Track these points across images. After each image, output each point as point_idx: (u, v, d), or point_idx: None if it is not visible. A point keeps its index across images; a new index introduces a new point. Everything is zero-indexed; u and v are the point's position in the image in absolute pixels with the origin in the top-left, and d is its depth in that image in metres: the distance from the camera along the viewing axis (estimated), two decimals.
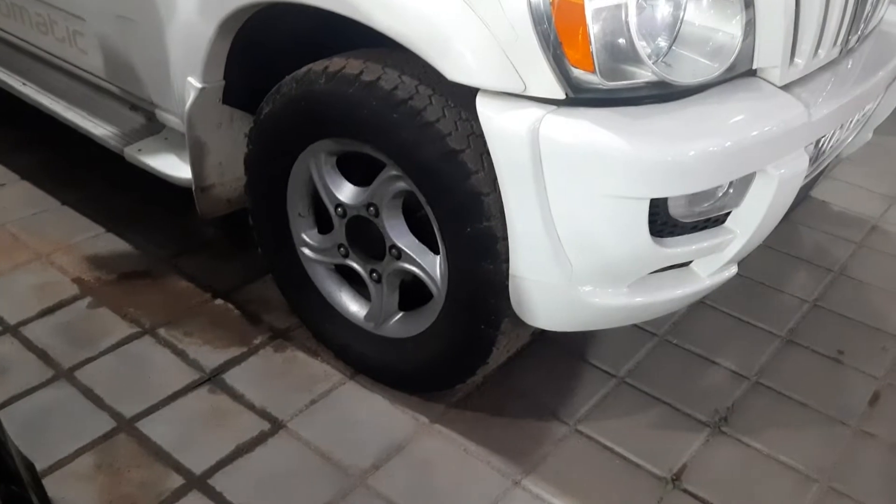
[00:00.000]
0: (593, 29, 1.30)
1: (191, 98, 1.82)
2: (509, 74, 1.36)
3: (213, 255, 2.28)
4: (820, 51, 1.62)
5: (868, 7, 1.75)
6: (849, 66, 1.76)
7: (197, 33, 1.75)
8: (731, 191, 1.50)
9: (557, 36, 1.32)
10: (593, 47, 1.31)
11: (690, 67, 1.41)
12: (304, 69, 1.65)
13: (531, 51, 1.33)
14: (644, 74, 1.36)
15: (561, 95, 1.36)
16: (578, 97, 1.36)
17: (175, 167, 2.04)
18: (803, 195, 2.66)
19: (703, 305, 2.15)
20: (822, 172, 2.18)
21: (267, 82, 1.74)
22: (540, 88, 1.36)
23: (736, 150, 1.41)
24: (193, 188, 1.97)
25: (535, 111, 1.36)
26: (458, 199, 1.50)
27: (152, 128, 2.16)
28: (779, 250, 2.41)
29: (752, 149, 1.44)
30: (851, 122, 1.83)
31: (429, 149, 1.50)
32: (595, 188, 1.37)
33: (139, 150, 2.10)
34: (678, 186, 1.39)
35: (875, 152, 2.69)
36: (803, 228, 2.58)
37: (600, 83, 1.34)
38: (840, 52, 1.71)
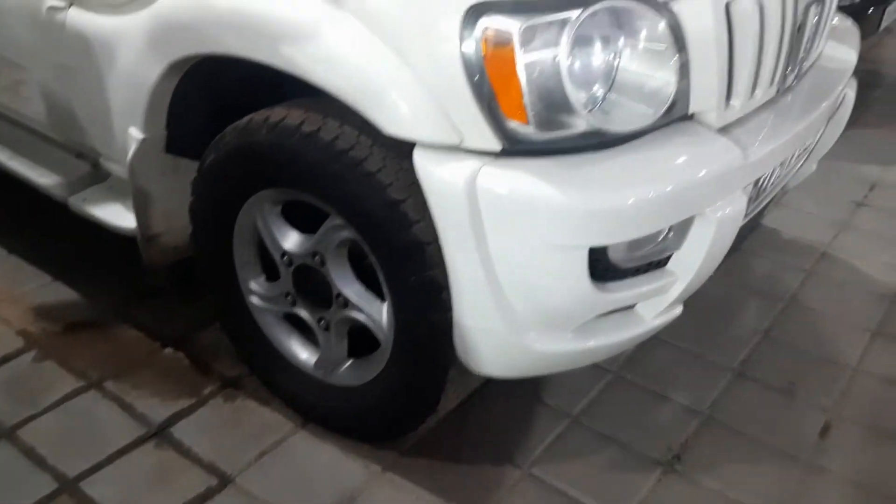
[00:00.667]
0: (526, 81, 1.31)
1: (132, 149, 1.80)
2: (445, 127, 1.36)
3: (164, 302, 2.24)
4: (756, 91, 1.65)
5: (803, 45, 1.79)
6: (788, 104, 1.79)
7: (137, 84, 1.73)
8: (670, 234, 1.51)
9: (491, 88, 1.32)
10: (526, 99, 1.32)
11: (626, 114, 1.42)
12: (246, 119, 1.64)
13: (465, 103, 1.34)
14: (579, 124, 1.37)
15: (497, 147, 1.36)
16: (515, 148, 1.37)
17: (120, 216, 2.01)
18: (752, 227, 2.70)
19: (655, 339, 2.14)
20: (767, 206, 2.21)
21: (212, 130, 1.73)
22: (476, 141, 1.36)
23: (672, 196, 1.43)
24: (139, 237, 1.95)
25: (472, 163, 1.36)
26: (401, 248, 1.49)
27: (98, 176, 2.13)
28: (730, 280, 2.43)
29: (689, 194, 1.45)
30: (792, 157, 1.86)
31: (370, 199, 1.49)
32: (534, 238, 1.38)
33: (84, 199, 2.07)
34: (616, 234, 1.40)
35: (824, 178, 2.73)
36: (754, 257, 2.61)
37: (535, 135, 1.35)
38: (778, 91, 1.74)
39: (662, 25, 1.40)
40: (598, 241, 1.39)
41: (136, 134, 1.80)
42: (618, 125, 1.41)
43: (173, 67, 1.67)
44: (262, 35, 1.47)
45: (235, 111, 1.70)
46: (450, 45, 1.31)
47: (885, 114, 3.70)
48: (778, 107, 1.75)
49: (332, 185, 1.54)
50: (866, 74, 4.10)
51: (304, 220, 1.73)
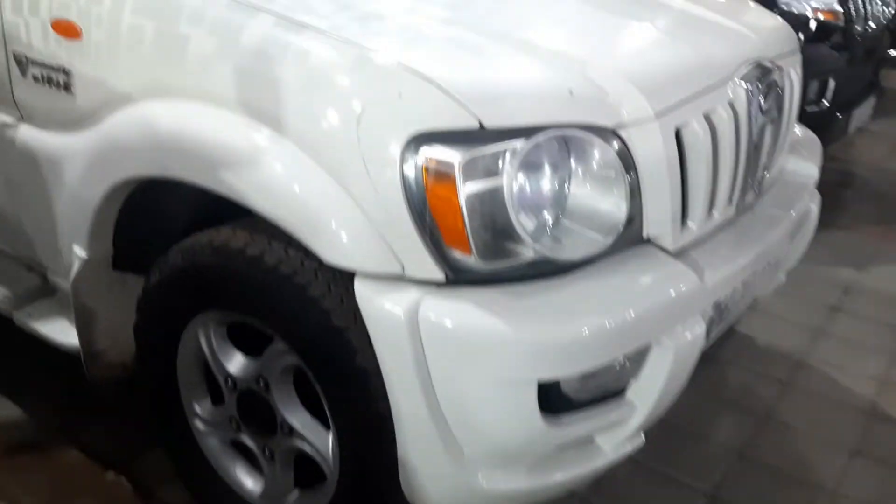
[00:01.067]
0: (467, 212, 1.27)
1: (76, 268, 1.75)
2: (386, 256, 1.31)
3: (111, 421, 2.13)
4: (714, 212, 1.62)
5: (761, 164, 1.77)
6: (748, 223, 1.77)
7: (81, 204, 1.69)
8: (626, 364, 1.44)
9: (433, 218, 1.28)
10: (468, 230, 1.27)
11: (576, 242, 1.38)
12: (190, 240, 1.60)
13: (407, 233, 1.29)
14: (526, 253, 1.33)
15: (440, 277, 1.31)
16: (459, 278, 1.32)
17: (66, 333, 1.93)
18: (726, 334, 2.63)
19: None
20: (733, 323, 2.15)
21: (161, 246, 1.68)
22: (418, 270, 1.31)
23: (625, 326, 1.37)
24: (82, 355, 1.87)
25: (414, 293, 1.31)
26: (344, 378, 1.43)
27: (47, 289, 2.06)
28: (703, 391, 2.35)
29: (643, 322, 1.40)
30: (755, 276, 1.81)
31: (313, 325, 1.43)
32: (479, 372, 1.31)
33: (29, 314, 2.00)
34: (566, 367, 1.33)
35: (798, 282, 2.67)
36: (727, 366, 2.54)
37: (479, 265, 1.30)
38: (737, 210, 1.72)
39: (610, 152, 1.37)
40: (547, 375, 1.32)
41: (79, 252, 1.74)
42: (568, 253, 1.37)
43: (118, 188, 1.63)
44: (203, 160, 1.44)
45: (186, 227, 1.66)
46: (391, 175, 1.28)
47: (858, 214, 3.71)
48: (738, 226, 1.73)
49: (274, 310, 1.48)
50: (838, 174, 4.15)
51: (251, 341, 1.66)
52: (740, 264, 1.63)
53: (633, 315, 1.37)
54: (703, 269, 1.52)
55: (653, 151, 1.43)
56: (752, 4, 2.18)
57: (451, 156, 1.26)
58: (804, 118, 2.53)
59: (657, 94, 1.44)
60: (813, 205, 2.05)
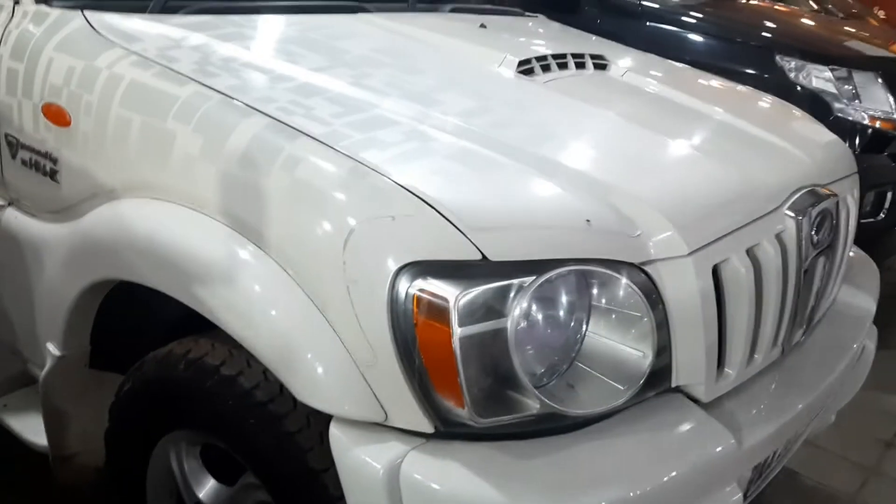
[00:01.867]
0: (463, 357, 1.08)
1: (48, 365, 1.61)
2: (368, 402, 1.14)
3: None
4: (756, 356, 1.42)
5: (812, 299, 1.57)
6: (796, 366, 1.55)
7: (57, 300, 1.55)
8: None
9: (422, 360, 1.10)
10: (462, 378, 1.09)
11: (590, 394, 1.19)
12: (167, 349, 1.45)
13: (392, 375, 1.12)
14: (531, 406, 1.14)
15: (429, 429, 1.13)
16: (452, 431, 1.13)
17: (38, 431, 1.77)
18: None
19: None
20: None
21: (145, 345, 1.54)
22: (404, 419, 1.13)
23: (644, 499, 1.16)
24: (50, 457, 1.72)
25: (398, 446, 1.13)
26: None
27: (28, 378, 1.93)
28: None
29: (666, 494, 1.19)
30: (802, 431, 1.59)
31: (286, 463, 1.26)
32: None
33: (5, 405, 1.86)
34: None
35: (852, 410, 2.42)
36: None
37: (474, 419, 1.11)
38: (783, 351, 1.51)
39: (634, 290, 1.19)
40: None
41: (53, 350, 1.60)
42: (580, 406, 1.18)
43: (95, 286, 1.50)
44: (175, 270, 1.29)
45: (173, 326, 1.52)
46: (377, 308, 1.11)
47: None
48: (784, 370, 1.52)
49: (245, 439, 1.32)
50: (894, 287, 3.86)
51: (227, 466, 1.49)
52: (784, 421, 1.41)
53: (654, 486, 1.17)
54: (740, 428, 1.31)
55: (685, 291, 1.24)
56: (806, 117, 2.01)
57: (446, 291, 1.08)
58: (859, 231, 2.32)
59: (693, 229, 1.26)
60: (870, 342, 1.83)
